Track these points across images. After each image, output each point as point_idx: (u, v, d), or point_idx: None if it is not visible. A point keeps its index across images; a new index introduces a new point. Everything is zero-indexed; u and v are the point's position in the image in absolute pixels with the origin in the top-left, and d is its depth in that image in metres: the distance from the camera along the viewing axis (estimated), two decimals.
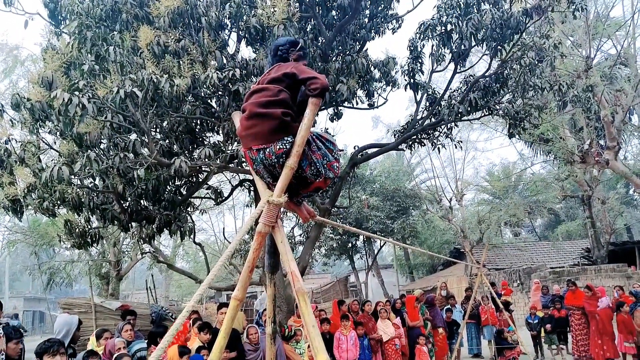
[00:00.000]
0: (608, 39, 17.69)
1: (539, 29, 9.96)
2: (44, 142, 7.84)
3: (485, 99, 9.88)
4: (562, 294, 12.12)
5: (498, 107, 10.35)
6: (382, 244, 30.11)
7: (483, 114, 10.88)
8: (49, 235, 16.82)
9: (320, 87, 2.62)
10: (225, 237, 16.61)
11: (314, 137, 2.77)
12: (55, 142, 8.00)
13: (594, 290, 10.76)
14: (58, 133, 7.70)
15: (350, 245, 27.89)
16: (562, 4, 9.28)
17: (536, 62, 9.47)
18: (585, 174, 20.32)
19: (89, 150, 6.69)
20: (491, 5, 8.96)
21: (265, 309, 9.24)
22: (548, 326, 11.50)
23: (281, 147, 2.60)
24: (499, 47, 9.38)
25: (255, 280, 11.09)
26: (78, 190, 7.70)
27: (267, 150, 2.62)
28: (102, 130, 6.91)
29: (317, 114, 3.18)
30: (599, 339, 10.29)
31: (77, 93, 6.09)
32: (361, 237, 27.27)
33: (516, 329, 10.37)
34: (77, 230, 8.59)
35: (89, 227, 8.85)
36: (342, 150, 14.12)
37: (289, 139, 2.62)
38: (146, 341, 6.53)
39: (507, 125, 10.83)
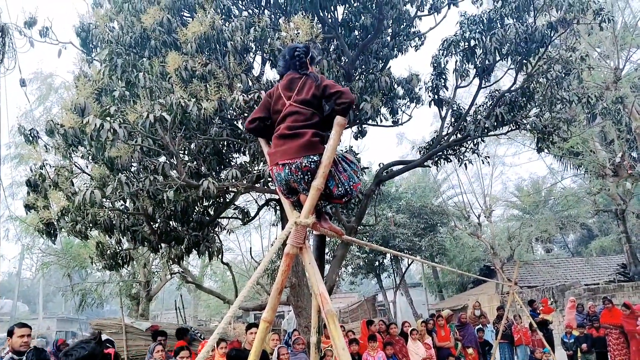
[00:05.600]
0: (638, 48, 17.35)
1: (565, 41, 9.85)
2: (76, 166, 8.07)
3: (512, 114, 9.76)
4: (597, 312, 11.72)
5: (525, 122, 10.21)
6: (409, 262, 29.72)
7: (510, 129, 10.75)
8: (81, 257, 17.16)
9: (349, 103, 2.67)
10: (252, 257, 16.70)
11: (340, 158, 2.81)
12: (87, 167, 8.22)
13: (632, 308, 10.37)
14: (90, 157, 7.93)
15: (377, 263, 27.59)
16: (588, 16, 9.16)
17: (563, 75, 9.33)
18: (618, 187, 19.76)
19: (120, 174, 6.86)
20: (515, 20, 8.91)
21: (294, 329, 9.23)
22: (584, 346, 11.11)
23: (307, 164, 2.65)
24: (524, 61, 9.29)
25: (282, 300, 11.07)
26: (109, 212, 7.88)
27: (294, 165, 2.67)
28: (133, 154, 7.08)
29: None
30: None
31: (108, 119, 6.28)
32: (388, 255, 26.99)
33: (551, 349, 10.03)
34: (108, 252, 8.77)
35: (120, 248, 9.04)
36: (367, 168, 14.07)
37: (315, 157, 2.66)
38: None
39: (535, 140, 10.67)
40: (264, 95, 3.13)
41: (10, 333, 4.97)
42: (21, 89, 8.58)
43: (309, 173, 2.67)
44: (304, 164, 2.65)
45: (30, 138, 7.58)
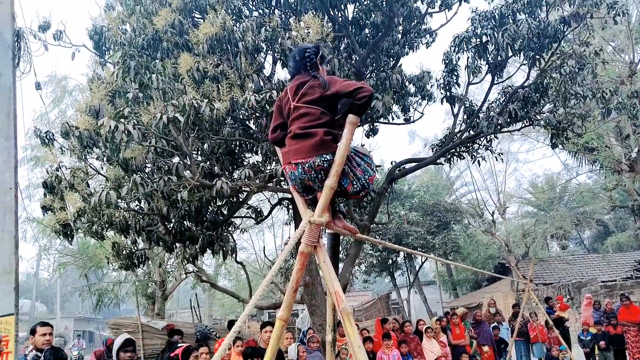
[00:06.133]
0: None
1: (578, 36, 9.73)
2: (92, 168, 8.17)
3: (525, 110, 9.67)
4: (614, 309, 11.58)
5: (539, 117, 10.11)
6: (423, 260, 29.60)
7: (523, 125, 10.64)
8: (97, 257, 17.35)
9: (369, 95, 2.67)
10: (265, 255, 16.75)
11: (352, 153, 2.81)
12: (102, 168, 8.32)
13: None
14: (105, 159, 8.02)
15: (390, 261, 27.54)
16: (602, 9, 9.04)
17: (577, 70, 9.22)
18: (635, 182, 19.49)
19: (135, 175, 6.93)
20: (527, 15, 8.82)
21: (309, 328, 9.26)
22: (602, 343, 10.99)
23: (320, 163, 2.65)
24: (537, 56, 9.20)
25: (296, 298, 11.09)
26: (125, 213, 7.97)
27: (307, 165, 2.67)
28: (147, 155, 7.15)
29: None
30: None
31: (122, 120, 6.35)
32: (402, 253, 26.91)
33: (568, 347, 9.94)
34: (124, 252, 8.88)
35: (136, 248, 9.14)
36: (380, 166, 14.05)
37: (328, 156, 2.67)
38: None
39: (550, 136, 10.55)
40: (275, 102, 3.14)
41: (32, 332, 5.17)
42: (36, 92, 8.67)
43: (322, 172, 2.68)
44: (317, 163, 2.66)
45: (46, 140, 7.70)
